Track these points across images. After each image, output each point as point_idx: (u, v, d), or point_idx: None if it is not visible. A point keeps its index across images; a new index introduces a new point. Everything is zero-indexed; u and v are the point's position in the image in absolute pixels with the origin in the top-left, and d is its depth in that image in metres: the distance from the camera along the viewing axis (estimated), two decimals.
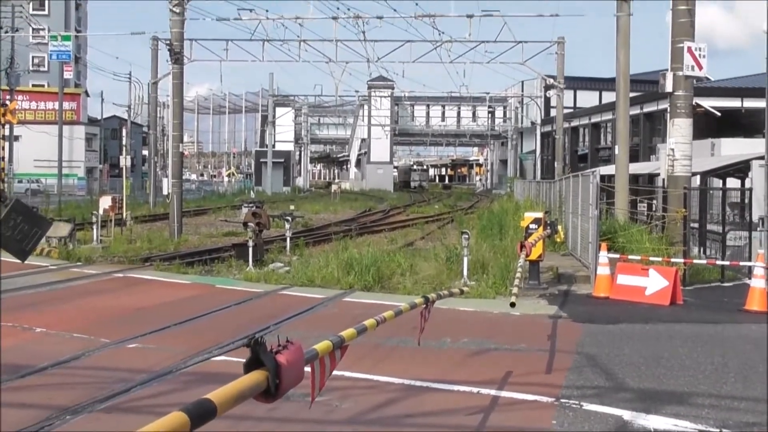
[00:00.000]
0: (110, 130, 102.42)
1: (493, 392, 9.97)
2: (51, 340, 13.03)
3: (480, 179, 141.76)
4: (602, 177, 25.97)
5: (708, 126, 41.53)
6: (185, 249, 27.21)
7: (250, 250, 22.14)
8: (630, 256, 19.22)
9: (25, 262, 22.66)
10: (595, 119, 67.69)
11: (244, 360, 3.48)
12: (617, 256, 19.13)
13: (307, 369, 4.05)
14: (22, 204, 2.65)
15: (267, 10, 43.24)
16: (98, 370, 11.00)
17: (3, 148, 51.74)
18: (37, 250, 24.88)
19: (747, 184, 28.17)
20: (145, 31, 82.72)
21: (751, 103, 47.77)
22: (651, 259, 18.80)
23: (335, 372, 4.89)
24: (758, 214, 22.19)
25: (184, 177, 37.56)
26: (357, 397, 9.66)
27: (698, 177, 26.93)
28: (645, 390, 10.09)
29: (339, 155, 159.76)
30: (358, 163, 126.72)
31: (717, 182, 31.01)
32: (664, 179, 26.41)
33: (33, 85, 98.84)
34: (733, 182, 31.23)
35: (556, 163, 53.58)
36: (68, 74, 65.69)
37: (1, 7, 54.34)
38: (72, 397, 9.37)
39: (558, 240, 25.43)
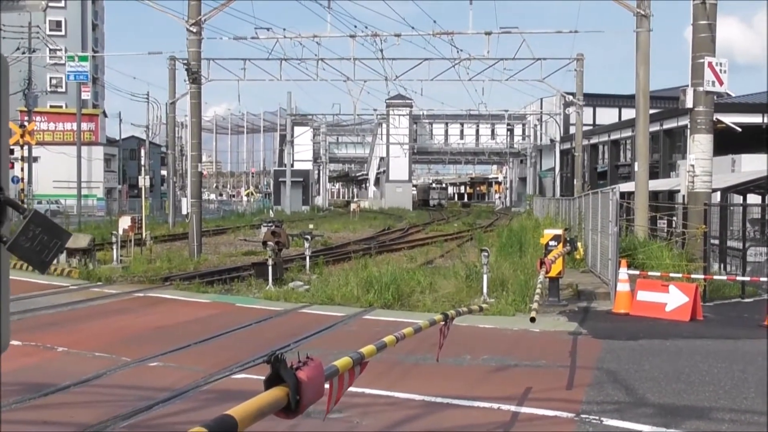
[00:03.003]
0: (129, 150, 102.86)
1: (513, 408, 9.96)
2: (73, 359, 13.10)
3: (499, 197, 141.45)
4: (622, 194, 25.91)
5: (728, 142, 41.34)
6: (205, 268, 27.28)
7: (270, 269, 22.18)
8: (650, 273, 19.19)
9: (47, 282, 22.86)
10: (615, 136, 67.65)
11: (265, 377, 3.50)
12: (637, 272, 19.08)
13: (327, 386, 4.07)
14: (41, 215, 2.66)
15: (284, 29, 43.24)
16: (120, 389, 11.05)
17: (22, 169, 51.80)
18: (57, 270, 25.07)
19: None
20: (163, 51, 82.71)
21: None
22: (671, 275, 18.77)
23: (355, 389, 4.92)
24: None
25: (203, 197, 37.70)
26: (377, 414, 9.67)
27: (718, 193, 26.86)
28: (665, 405, 10.06)
29: (358, 174, 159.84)
30: (377, 182, 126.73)
31: (737, 198, 30.93)
32: (684, 195, 26.40)
33: (51, 106, 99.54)
34: (753, 198, 31.17)
35: (575, 181, 53.53)
36: (86, 95, 65.99)
37: (9, 26, 54.53)
38: (94, 416, 9.42)
39: (577, 257, 25.42)
